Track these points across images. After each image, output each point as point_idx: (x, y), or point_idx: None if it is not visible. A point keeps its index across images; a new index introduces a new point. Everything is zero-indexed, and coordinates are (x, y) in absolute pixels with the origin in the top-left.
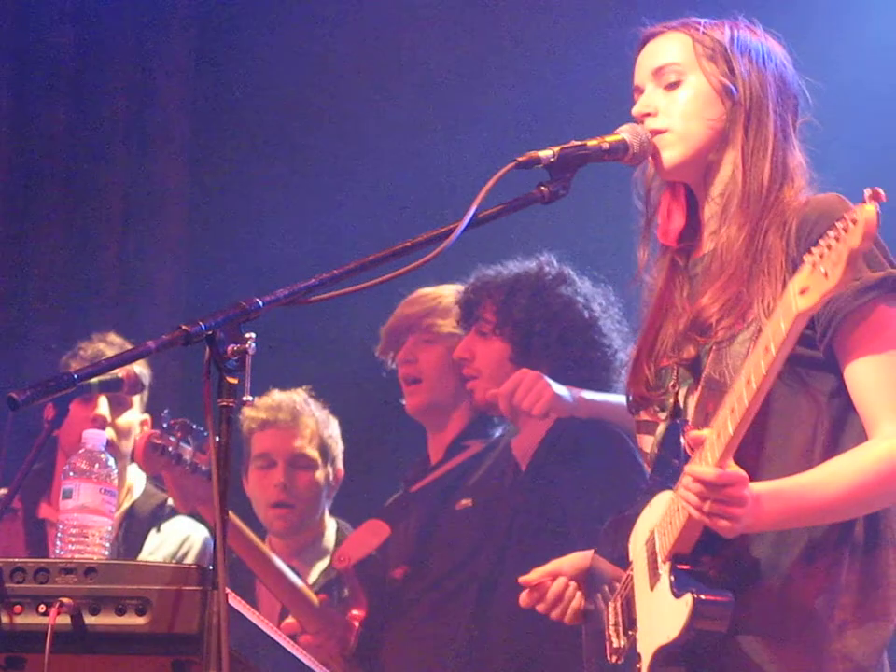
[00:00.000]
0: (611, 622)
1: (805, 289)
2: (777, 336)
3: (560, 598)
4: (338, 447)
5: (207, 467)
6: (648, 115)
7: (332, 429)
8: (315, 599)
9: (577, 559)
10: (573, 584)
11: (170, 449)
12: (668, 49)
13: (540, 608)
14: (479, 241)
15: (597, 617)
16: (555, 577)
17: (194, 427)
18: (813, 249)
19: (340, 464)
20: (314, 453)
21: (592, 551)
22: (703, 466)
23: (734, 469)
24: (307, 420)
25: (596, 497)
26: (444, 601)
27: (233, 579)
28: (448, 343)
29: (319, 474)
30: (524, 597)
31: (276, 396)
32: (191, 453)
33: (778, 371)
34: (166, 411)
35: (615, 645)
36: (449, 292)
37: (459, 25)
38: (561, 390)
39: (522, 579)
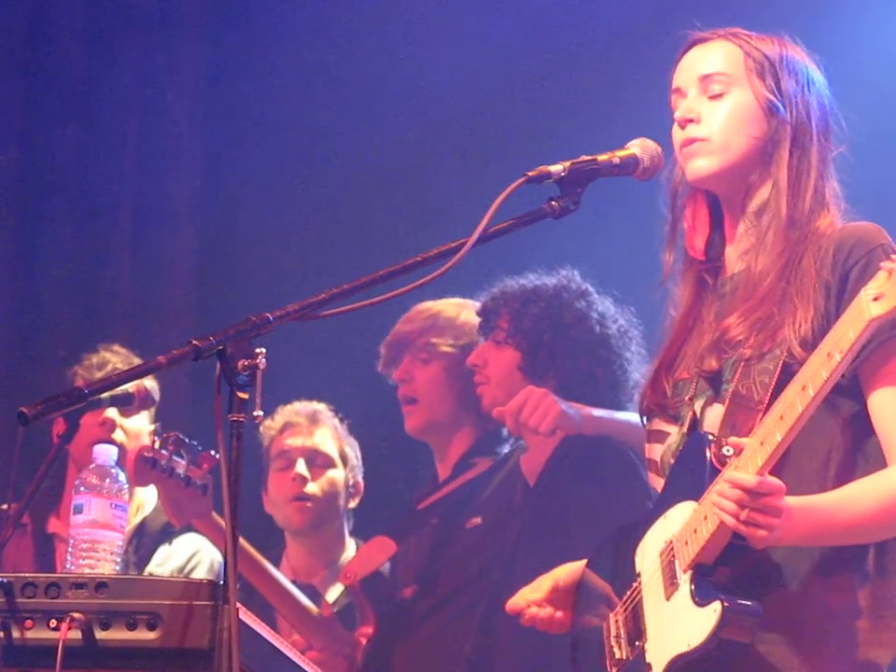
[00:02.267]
0: (613, 633)
1: (881, 296)
2: (842, 342)
3: (548, 622)
4: (357, 461)
5: (202, 480)
6: (690, 121)
7: (352, 443)
8: (318, 614)
9: (565, 574)
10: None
11: (162, 462)
12: (717, 57)
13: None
14: (502, 255)
15: (590, 630)
16: (541, 602)
17: (186, 440)
18: (893, 255)
19: (360, 477)
20: (332, 451)
21: (583, 563)
22: (743, 473)
23: (773, 478)
24: (326, 422)
25: (603, 514)
26: (454, 618)
27: (252, 599)
28: (445, 361)
29: (338, 473)
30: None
31: (296, 405)
32: (185, 466)
33: (837, 380)
34: (157, 424)
35: (617, 656)
36: (448, 307)
37: (470, 40)
38: (567, 407)
39: (509, 607)
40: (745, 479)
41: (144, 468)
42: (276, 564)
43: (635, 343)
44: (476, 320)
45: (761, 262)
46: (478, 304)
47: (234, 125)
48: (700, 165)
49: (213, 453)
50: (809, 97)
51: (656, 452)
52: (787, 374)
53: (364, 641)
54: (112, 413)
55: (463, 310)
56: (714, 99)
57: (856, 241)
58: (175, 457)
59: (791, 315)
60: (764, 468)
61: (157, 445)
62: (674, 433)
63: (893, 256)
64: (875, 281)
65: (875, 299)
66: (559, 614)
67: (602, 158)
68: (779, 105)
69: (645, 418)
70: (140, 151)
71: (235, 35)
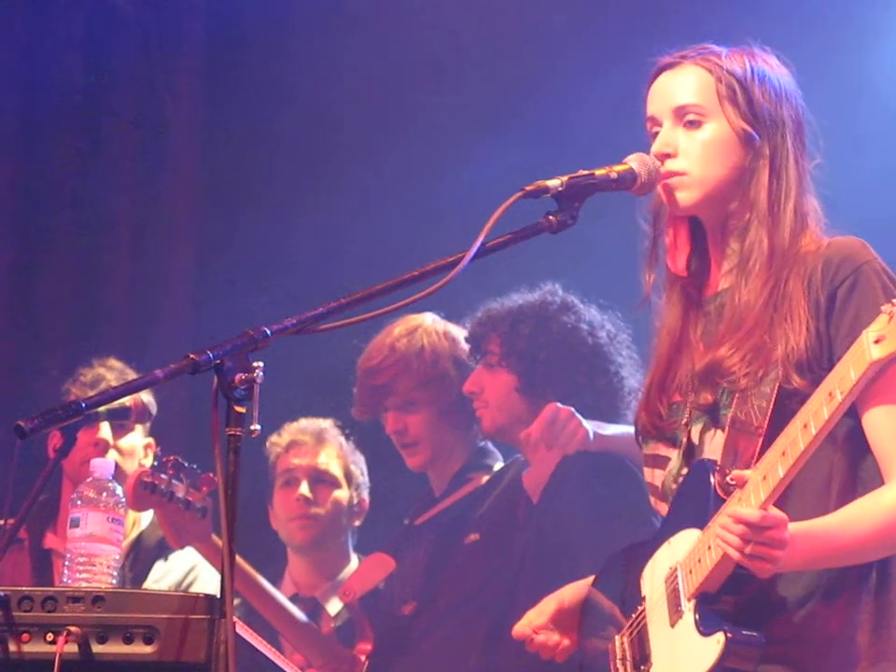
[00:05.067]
0: (619, 656)
1: (882, 339)
2: (844, 383)
3: (553, 650)
4: (363, 478)
5: (201, 504)
6: (668, 155)
7: (357, 460)
8: (317, 631)
9: (570, 594)
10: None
11: (161, 487)
12: (689, 86)
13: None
14: (487, 271)
15: (596, 652)
16: (547, 625)
17: (186, 464)
18: (894, 300)
19: (365, 495)
20: (337, 471)
21: (588, 582)
22: (746, 508)
23: (776, 511)
24: (332, 441)
25: (607, 529)
26: (453, 635)
27: (255, 617)
28: (429, 402)
29: (342, 493)
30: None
31: (302, 422)
32: (184, 489)
33: (838, 419)
34: (159, 448)
35: None
36: (405, 338)
37: (468, 55)
38: (589, 427)
39: (516, 633)
40: (749, 514)
41: (143, 493)
42: (279, 578)
43: (625, 346)
44: (435, 336)
45: (745, 291)
46: (430, 316)
47: (233, 139)
48: (680, 198)
49: (212, 475)
50: (783, 112)
51: (657, 477)
52: (783, 398)
53: (363, 658)
54: (105, 433)
55: (422, 336)
56: (690, 129)
57: (842, 259)
58: (174, 481)
59: (783, 339)
60: (767, 502)
61: (156, 469)
62: (674, 458)
63: (894, 300)
64: (877, 323)
65: (877, 341)
66: (565, 642)
67: (599, 172)
68: (754, 133)
69: (641, 438)
70: (138, 165)
71: (235, 45)
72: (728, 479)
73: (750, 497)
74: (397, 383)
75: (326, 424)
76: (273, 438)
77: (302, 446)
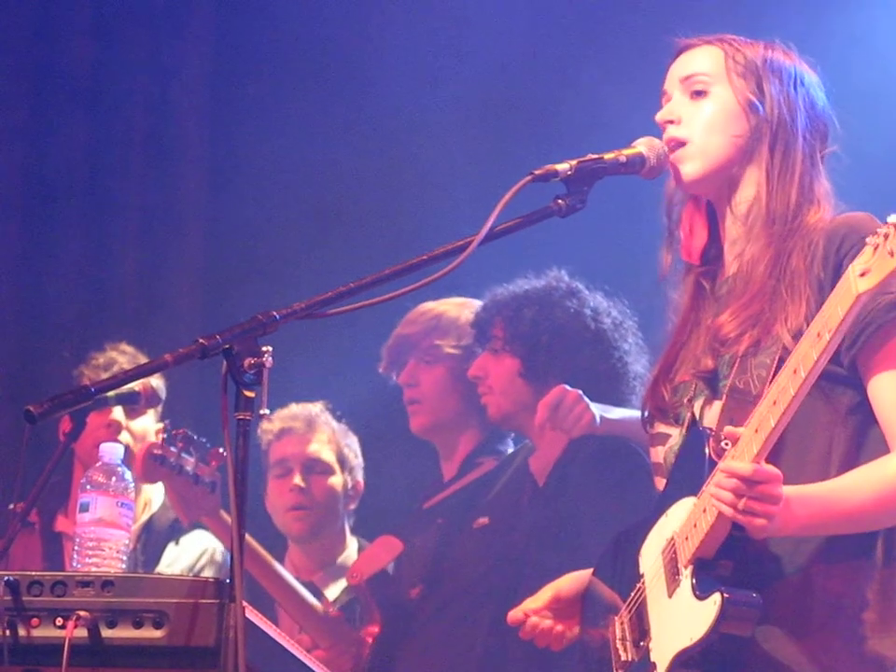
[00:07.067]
0: (618, 636)
1: (867, 271)
2: (832, 321)
3: (547, 636)
4: (357, 460)
5: (210, 478)
6: (670, 122)
7: (350, 441)
8: (325, 613)
9: (568, 583)
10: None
11: (171, 460)
12: (700, 59)
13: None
14: (496, 256)
15: (598, 641)
16: (543, 611)
17: (195, 437)
18: (878, 230)
19: (359, 476)
20: (330, 457)
21: (589, 572)
22: (739, 462)
23: (769, 466)
24: (323, 427)
25: (614, 513)
26: (460, 618)
27: (254, 596)
28: (449, 363)
29: (336, 480)
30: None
31: (293, 408)
32: (193, 463)
33: (827, 360)
34: (167, 421)
35: (623, 659)
36: (450, 307)
37: (473, 39)
38: (596, 411)
39: (511, 618)
40: (741, 467)
41: (153, 465)
42: (280, 561)
43: (631, 333)
44: None
45: (747, 255)
46: (480, 303)
47: (241, 123)
48: (685, 171)
49: (221, 450)
50: (795, 96)
51: (659, 454)
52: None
53: (370, 641)
54: (118, 415)
55: (465, 310)
56: (695, 98)
57: (847, 230)
58: (183, 454)
59: (782, 312)
60: (760, 455)
61: (165, 442)
62: (675, 434)
63: (878, 230)
64: (862, 256)
65: (862, 274)
66: (559, 627)
67: (609, 156)
68: (759, 103)
69: (647, 422)
70: (147, 150)
71: (241, 31)
72: (722, 439)
73: (744, 452)
74: (425, 338)
75: (316, 409)
76: (264, 425)
77: (293, 433)
